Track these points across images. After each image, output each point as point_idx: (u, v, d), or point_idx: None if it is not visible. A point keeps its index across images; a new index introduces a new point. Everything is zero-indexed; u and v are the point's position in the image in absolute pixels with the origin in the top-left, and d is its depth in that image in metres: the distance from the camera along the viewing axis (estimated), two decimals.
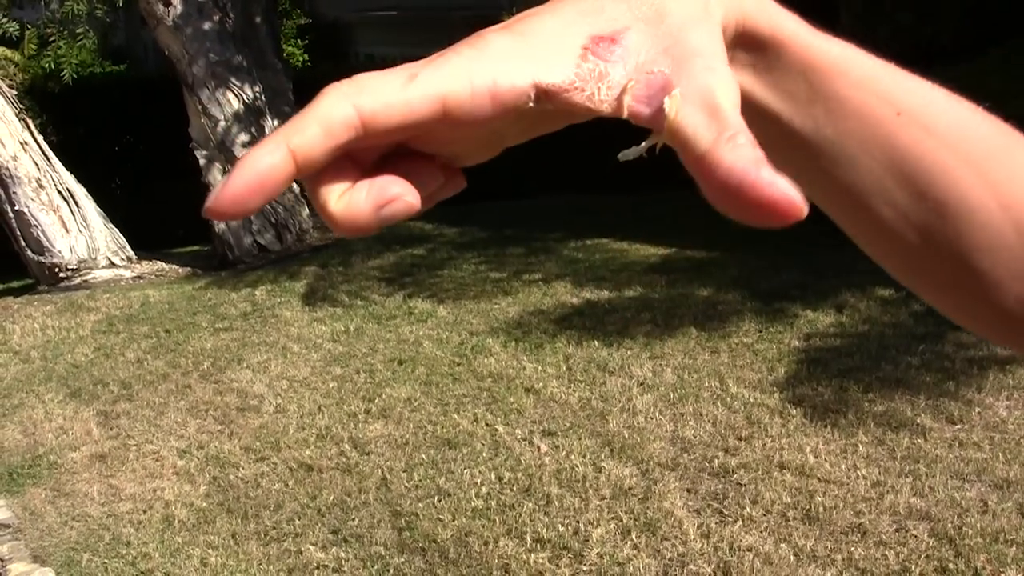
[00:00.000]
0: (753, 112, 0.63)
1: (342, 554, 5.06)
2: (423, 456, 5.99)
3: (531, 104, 0.53)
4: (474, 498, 5.44)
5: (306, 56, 22.15)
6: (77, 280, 11.33)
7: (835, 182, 0.65)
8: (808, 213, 0.52)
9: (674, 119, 0.52)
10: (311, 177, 0.53)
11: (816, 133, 0.64)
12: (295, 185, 12.17)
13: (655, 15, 0.56)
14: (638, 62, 0.54)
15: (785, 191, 0.49)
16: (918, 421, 5.87)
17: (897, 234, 0.66)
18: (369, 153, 0.54)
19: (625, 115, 0.54)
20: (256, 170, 0.50)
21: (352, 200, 0.52)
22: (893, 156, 0.64)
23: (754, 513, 5.06)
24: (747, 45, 0.62)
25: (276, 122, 12.44)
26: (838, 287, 8.13)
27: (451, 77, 0.52)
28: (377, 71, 0.53)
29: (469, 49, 0.54)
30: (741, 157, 0.50)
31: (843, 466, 5.44)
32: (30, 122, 11.94)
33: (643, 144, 0.56)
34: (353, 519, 5.38)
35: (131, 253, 11.96)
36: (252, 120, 11.91)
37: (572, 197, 13.43)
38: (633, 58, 0.54)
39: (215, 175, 11.85)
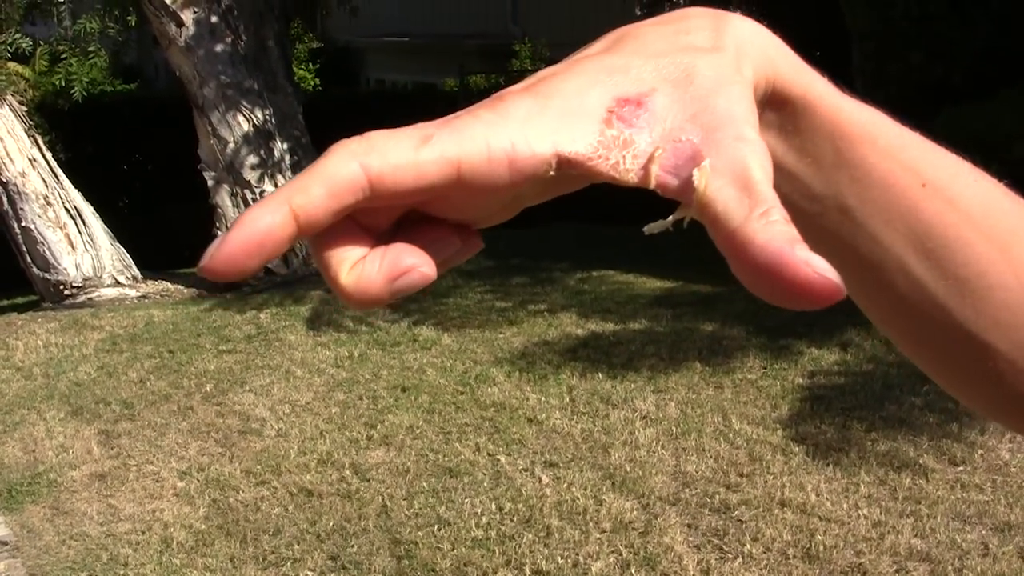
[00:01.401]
0: (775, 174, 0.62)
1: None
2: (424, 484, 5.98)
3: (552, 173, 0.50)
4: (474, 528, 5.42)
5: (317, 80, 22.21)
6: (82, 298, 11.34)
7: (854, 251, 0.64)
8: None
9: (704, 192, 0.49)
10: (320, 246, 0.51)
11: (841, 201, 0.63)
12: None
13: (684, 77, 0.53)
14: (665, 129, 0.51)
15: (822, 271, 0.46)
16: (920, 462, 5.86)
17: (913, 308, 0.65)
18: (381, 218, 0.52)
19: (652, 186, 0.51)
20: (255, 229, 0.47)
21: (364, 273, 0.50)
22: (916, 228, 0.63)
23: (754, 550, 5.04)
24: (776, 105, 0.61)
25: (285, 145, 12.46)
26: (844, 325, 8.12)
27: (467, 141, 0.50)
28: (390, 129, 0.50)
29: (488, 112, 0.51)
30: (775, 235, 0.47)
31: (844, 505, 5.43)
32: (39, 139, 11.97)
33: (670, 218, 0.53)
34: (352, 545, 5.37)
35: (137, 272, 11.97)
36: (261, 143, 11.93)
37: (579, 228, 13.43)
38: (660, 124, 0.52)
39: (223, 197, 11.87)
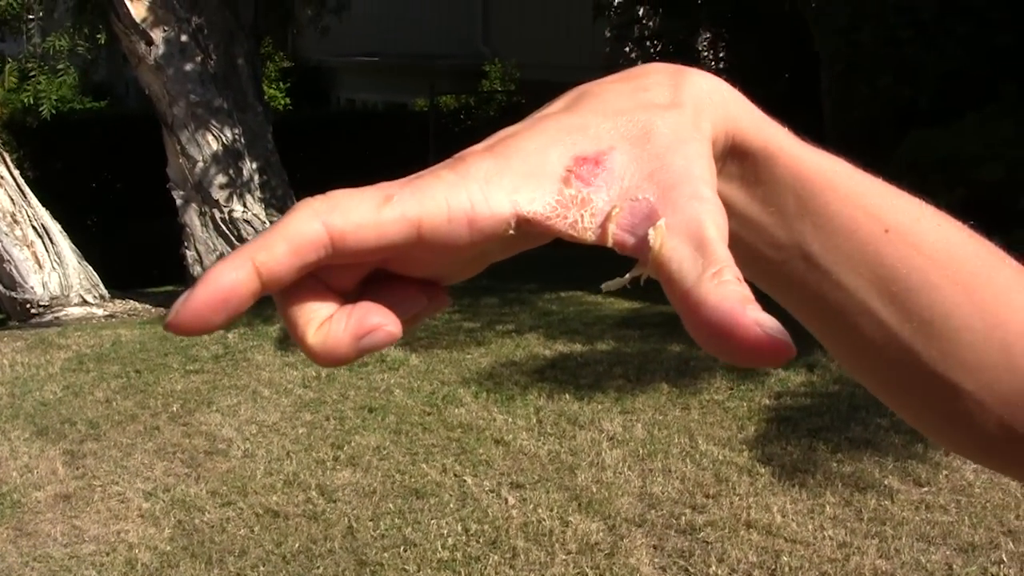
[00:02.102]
0: (739, 224, 0.62)
1: None
2: (390, 505, 5.97)
3: (511, 232, 0.51)
4: (440, 549, 5.42)
5: (287, 99, 22.20)
6: (49, 317, 11.29)
7: (820, 297, 0.65)
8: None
9: (659, 252, 0.50)
10: (286, 304, 0.51)
11: (805, 249, 0.64)
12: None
13: (642, 134, 0.54)
14: (622, 187, 0.53)
15: (772, 331, 0.47)
16: (886, 483, 5.88)
17: (879, 351, 0.66)
18: (347, 278, 0.53)
19: (610, 244, 0.52)
20: (219, 286, 0.48)
21: (331, 332, 0.50)
22: (880, 273, 0.64)
23: (720, 571, 5.05)
24: (738, 157, 0.62)
25: (255, 165, 12.44)
26: (810, 346, 8.08)
27: (428, 201, 0.50)
28: (354, 188, 0.51)
29: (448, 172, 0.52)
30: (727, 296, 0.48)
31: (810, 526, 5.45)
32: (6, 156, 11.92)
33: (627, 275, 0.54)
34: (318, 567, 5.36)
35: (104, 291, 11.93)
36: (231, 162, 11.91)
37: (547, 249, 13.42)
38: (617, 183, 0.53)
39: (192, 216, 11.84)
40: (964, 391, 0.66)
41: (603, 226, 0.52)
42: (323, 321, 0.51)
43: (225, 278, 0.48)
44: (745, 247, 0.59)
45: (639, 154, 0.54)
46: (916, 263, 0.64)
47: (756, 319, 0.47)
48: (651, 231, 0.51)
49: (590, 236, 0.52)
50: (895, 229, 0.64)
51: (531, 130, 0.55)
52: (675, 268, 0.50)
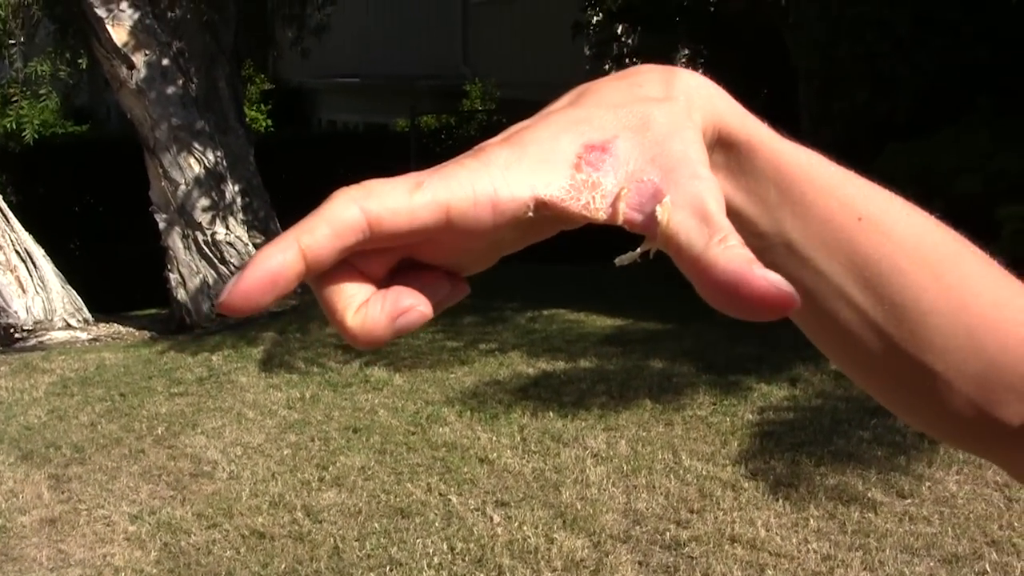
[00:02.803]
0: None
1: None
2: (375, 525, 5.98)
3: (530, 214, 0.55)
4: (426, 568, 5.43)
5: (269, 121, 22.21)
6: (33, 341, 11.28)
7: (799, 283, 0.67)
8: None
9: (667, 225, 0.54)
10: (325, 291, 0.55)
11: (784, 238, 0.67)
12: (254, 251, 12.16)
13: (640, 124, 0.59)
14: (628, 171, 0.57)
15: (778, 284, 0.51)
16: (869, 495, 5.91)
17: (855, 335, 0.70)
18: (377, 266, 0.56)
19: (620, 222, 0.56)
20: (268, 267, 0.52)
21: (368, 314, 0.54)
22: (854, 259, 0.67)
23: None
24: (723, 148, 0.66)
25: (237, 187, 12.46)
26: (792, 360, 8.17)
27: (455, 186, 0.54)
28: (385, 178, 0.55)
29: (472, 161, 0.56)
30: (734, 257, 0.52)
31: (794, 539, 5.47)
32: None
33: (638, 249, 0.58)
34: None
35: (88, 315, 11.92)
36: (213, 185, 11.93)
37: (530, 267, 13.45)
38: (623, 167, 0.57)
39: (175, 239, 11.84)
40: (934, 372, 0.69)
41: (613, 206, 0.56)
42: (360, 305, 0.55)
43: (273, 260, 0.52)
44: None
45: (640, 141, 0.58)
46: (886, 250, 0.68)
47: (763, 274, 0.52)
48: (658, 208, 0.55)
49: (602, 216, 0.57)
50: (867, 217, 0.68)
51: (542, 123, 0.59)
52: (683, 239, 0.54)
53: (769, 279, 0.51)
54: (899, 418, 0.78)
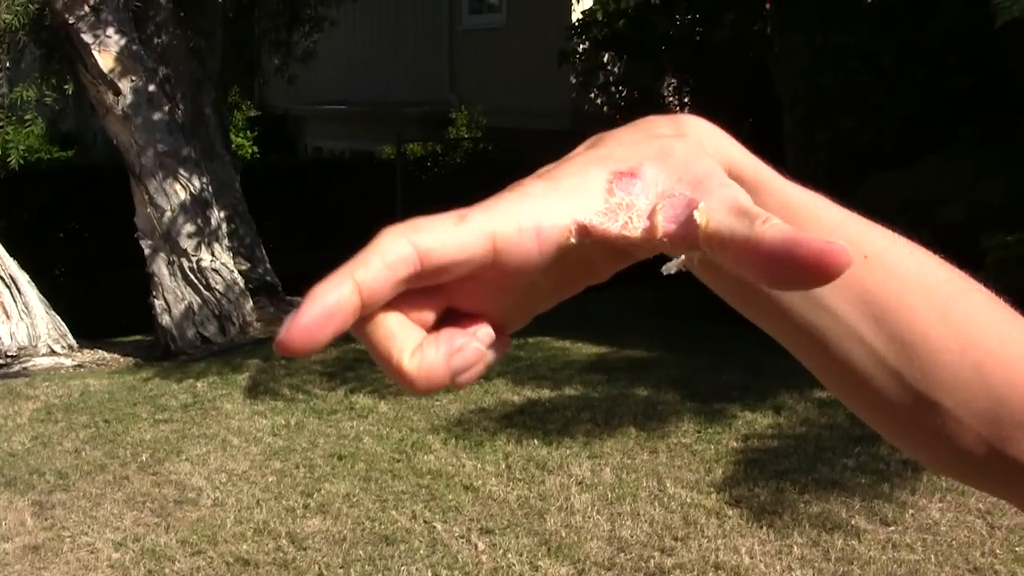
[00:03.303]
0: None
1: None
2: (360, 552, 5.98)
3: (572, 240, 0.57)
4: None
5: (255, 148, 22.21)
6: (16, 367, 11.25)
7: (811, 325, 0.69)
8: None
9: (707, 226, 0.56)
10: (377, 338, 0.56)
11: None
12: (239, 277, 12.13)
13: (662, 153, 0.61)
14: (657, 191, 0.59)
15: (829, 242, 0.52)
16: (853, 523, 5.92)
17: (868, 375, 0.70)
18: (424, 316, 0.57)
19: (659, 235, 0.57)
20: (325, 304, 0.52)
21: (425, 358, 0.55)
22: (864, 298, 0.68)
23: None
24: None
25: (223, 214, 12.47)
26: (777, 388, 8.19)
27: (499, 217, 0.56)
28: (430, 216, 0.56)
29: (512, 194, 0.57)
30: (782, 230, 0.54)
31: (778, 567, 5.48)
32: None
33: (682, 257, 0.59)
34: None
35: (72, 341, 11.89)
36: (198, 211, 11.93)
37: None
38: (653, 188, 0.59)
39: (160, 265, 11.83)
40: (944, 409, 0.70)
41: (651, 219, 0.58)
42: (414, 349, 0.56)
43: (329, 296, 0.53)
44: (742, 282, 0.65)
45: (664, 166, 0.60)
46: (893, 287, 0.69)
47: (813, 236, 0.53)
48: (696, 212, 0.57)
49: (641, 233, 0.58)
50: (872, 255, 0.69)
51: (567, 162, 0.61)
52: (727, 232, 0.56)
53: (820, 239, 0.53)
54: (911, 457, 0.79)
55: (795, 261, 0.53)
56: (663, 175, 0.59)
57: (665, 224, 0.57)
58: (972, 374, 0.70)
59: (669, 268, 0.62)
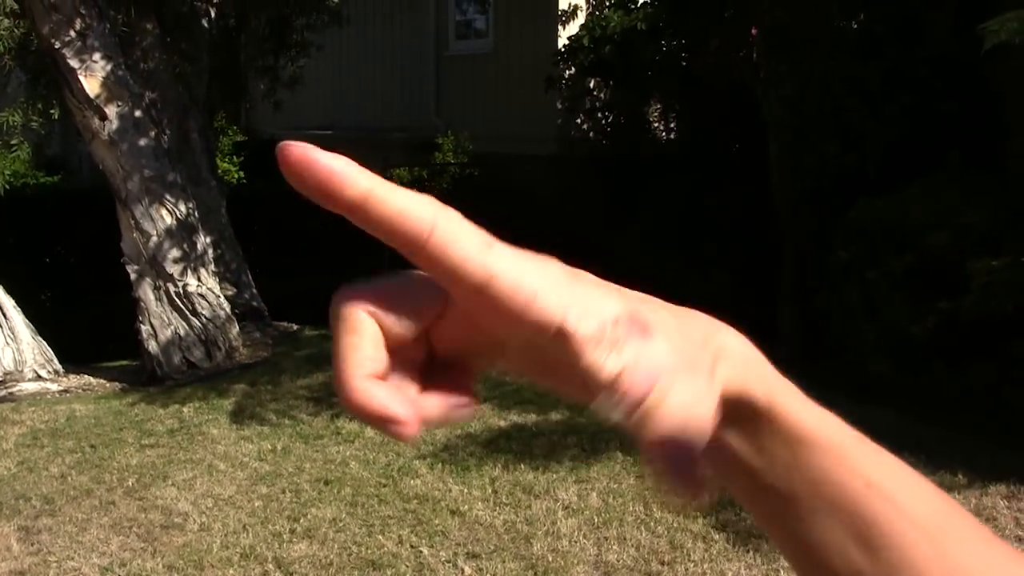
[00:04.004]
0: (736, 466, 0.68)
1: None
2: None
3: (550, 336, 0.56)
4: None
5: (241, 173, 22.20)
6: (2, 393, 11.22)
7: (800, 533, 0.69)
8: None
9: (655, 408, 0.56)
10: (347, 339, 0.59)
11: (790, 491, 0.68)
12: (225, 302, 12.12)
13: (681, 337, 0.61)
14: (651, 362, 0.58)
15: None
16: None
17: None
18: (403, 353, 0.60)
19: (609, 384, 0.57)
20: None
21: (375, 391, 0.57)
22: (856, 521, 0.68)
23: None
24: (743, 409, 0.67)
25: (208, 239, 12.47)
26: None
27: (511, 267, 0.56)
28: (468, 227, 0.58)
29: (537, 259, 0.58)
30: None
31: None
32: None
33: (621, 414, 0.58)
34: None
35: (58, 366, 11.87)
36: (184, 236, 11.92)
37: None
38: (651, 354, 0.58)
39: (146, 290, 11.82)
40: None
41: (618, 374, 0.57)
42: (369, 374, 0.57)
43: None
44: (739, 486, 0.66)
45: (675, 351, 0.60)
46: (892, 516, 0.68)
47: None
48: (655, 389, 0.57)
49: (605, 375, 0.57)
50: (875, 485, 0.68)
51: (603, 284, 0.61)
52: (667, 425, 0.57)
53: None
54: None
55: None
56: (667, 358, 0.59)
57: (627, 382, 0.57)
58: None
59: (600, 408, 0.60)
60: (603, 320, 0.57)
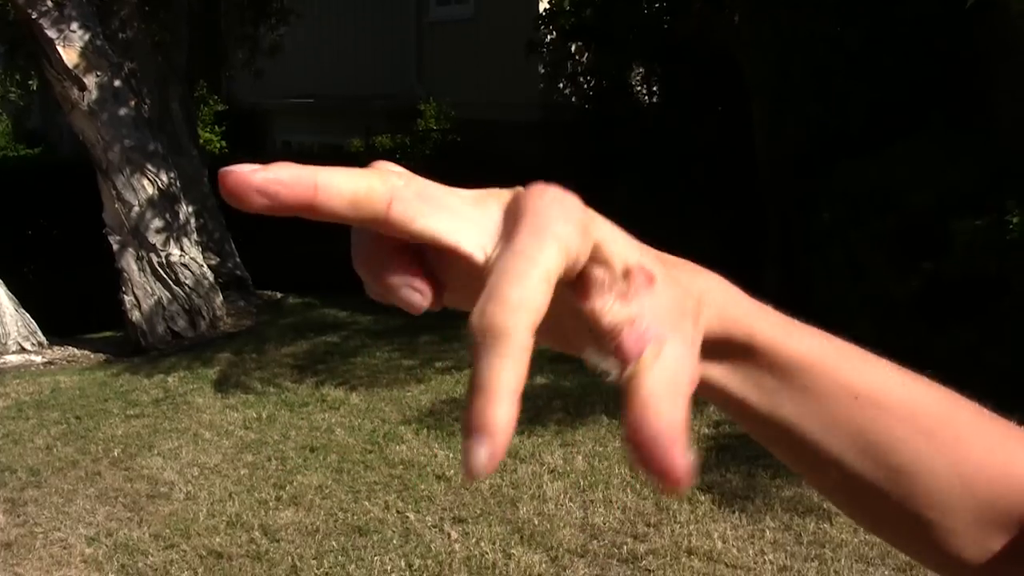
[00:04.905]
0: (726, 399, 0.68)
1: None
2: (333, 543, 5.98)
3: (578, 267, 0.55)
4: None
5: (223, 142, 22.13)
6: None
7: (802, 449, 0.70)
8: None
9: (640, 369, 0.53)
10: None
11: (783, 415, 0.69)
12: (208, 272, 12.10)
13: (676, 286, 0.60)
14: (654, 317, 0.56)
15: (671, 458, 0.50)
16: (824, 506, 5.94)
17: (856, 490, 0.71)
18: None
19: (611, 338, 0.55)
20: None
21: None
22: (851, 432, 0.69)
23: None
24: (726, 341, 0.66)
25: (191, 208, 12.43)
26: None
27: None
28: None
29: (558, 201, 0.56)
30: (647, 422, 0.52)
31: (750, 551, 5.50)
32: None
33: (614, 367, 0.55)
34: None
35: (42, 338, 11.85)
36: (167, 206, 11.89)
37: None
38: (652, 313, 0.56)
39: (128, 261, 11.79)
40: (933, 522, 0.71)
41: (620, 324, 0.55)
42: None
43: None
44: (734, 409, 0.67)
45: (671, 311, 0.58)
46: (884, 422, 0.69)
47: (664, 436, 0.51)
48: (647, 349, 0.54)
49: (606, 322, 0.55)
50: (863, 395, 0.70)
51: (616, 228, 0.59)
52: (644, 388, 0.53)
53: (671, 443, 0.51)
54: (905, 555, 0.81)
55: (640, 453, 0.51)
56: (670, 311, 0.58)
57: (627, 336, 0.55)
58: (960, 488, 0.71)
59: (593, 361, 0.58)
60: (615, 267, 0.56)
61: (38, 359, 11.52)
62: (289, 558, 5.84)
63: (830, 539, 5.58)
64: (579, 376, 8.73)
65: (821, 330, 0.72)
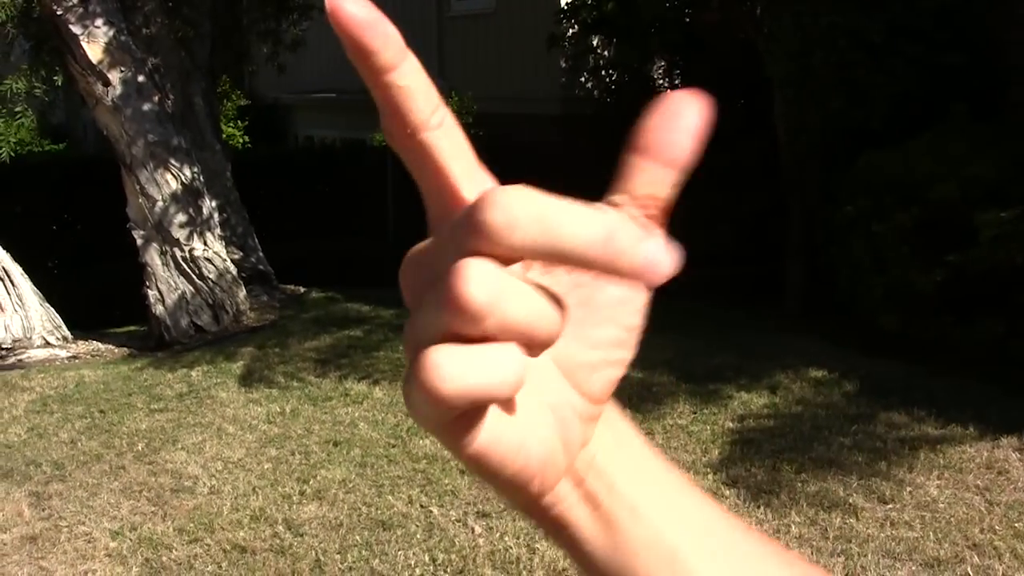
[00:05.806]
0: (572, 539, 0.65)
1: None
2: (357, 538, 5.98)
3: None
4: None
5: (246, 137, 22.18)
6: (11, 360, 11.23)
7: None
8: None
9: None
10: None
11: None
12: (232, 266, 12.12)
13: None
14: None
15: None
16: (850, 501, 5.93)
17: None
18: None
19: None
20: None
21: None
22: None
23: None
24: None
25: (214, 203, 12.44)
26: (771, 369, 8.20)
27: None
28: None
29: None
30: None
31: None
32: None
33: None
34: None
35: (67, 333, 11.88)
36: (190, 201, 11.90)
37: None
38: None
39: (152, 255, 11.81)
40: None
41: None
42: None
43: None
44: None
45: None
46: None
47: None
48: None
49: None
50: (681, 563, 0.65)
51: None
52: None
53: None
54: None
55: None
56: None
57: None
58: None
59: None
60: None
61: (63, 353, 11.55)
62: (313, 552, 5.84)
63: (856, 534, 5.56)
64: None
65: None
